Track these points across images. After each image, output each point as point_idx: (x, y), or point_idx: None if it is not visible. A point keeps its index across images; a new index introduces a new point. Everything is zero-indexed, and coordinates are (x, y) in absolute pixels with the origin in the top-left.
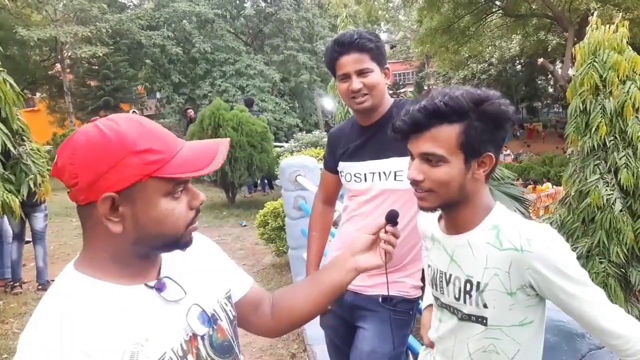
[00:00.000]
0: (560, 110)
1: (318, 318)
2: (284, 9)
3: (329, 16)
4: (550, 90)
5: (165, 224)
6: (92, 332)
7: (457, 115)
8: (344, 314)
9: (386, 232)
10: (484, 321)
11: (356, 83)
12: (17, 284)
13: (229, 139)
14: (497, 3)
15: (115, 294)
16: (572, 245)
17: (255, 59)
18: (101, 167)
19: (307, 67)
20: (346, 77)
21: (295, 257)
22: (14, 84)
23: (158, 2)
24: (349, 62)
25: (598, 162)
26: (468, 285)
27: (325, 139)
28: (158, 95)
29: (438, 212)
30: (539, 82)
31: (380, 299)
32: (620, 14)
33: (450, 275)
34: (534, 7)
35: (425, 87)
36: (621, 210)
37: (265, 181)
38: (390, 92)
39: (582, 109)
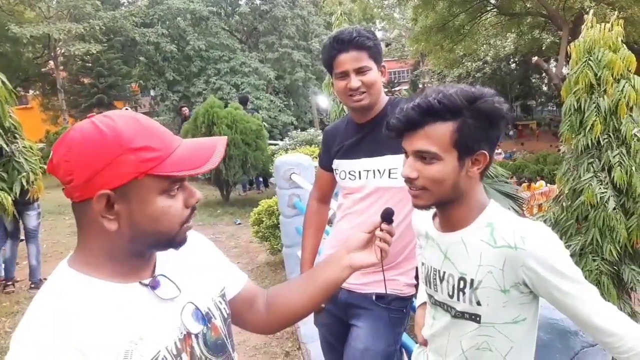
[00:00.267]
0: (555, 108)
1: (312, 316)
2: (278, 6)
3: (324, 14)
4: (545, 88)
5: (161, 222)
6: (85, 330)
7: (451, 113)
8: (338, 312)
9: (382, 230)
10: (478, 319)
11: (355, 81)
12: (10, 282)
13: (226, 137)
14: (492, 1)
15: (110, 292)
16: (566, 243)
17: (250, 56)
18: (97, 164)
19: (302, 64)
20: (344, 74)
21: (290, 255)
22: (6, 81)
23: None
24: (348, 60)
25: (592, 160)
26: (462, 283)
27: (320, 137)
28: (152, 92)
29: (432, 210)
30: (534, 80)
31: (374, 297)
32: (615, 12)
33: (444, 272)
34: (528, 5)
35: (420, 85)
36: (614, 209)
37: (261, 179)
38: (385, 90)
39: (576, 107)
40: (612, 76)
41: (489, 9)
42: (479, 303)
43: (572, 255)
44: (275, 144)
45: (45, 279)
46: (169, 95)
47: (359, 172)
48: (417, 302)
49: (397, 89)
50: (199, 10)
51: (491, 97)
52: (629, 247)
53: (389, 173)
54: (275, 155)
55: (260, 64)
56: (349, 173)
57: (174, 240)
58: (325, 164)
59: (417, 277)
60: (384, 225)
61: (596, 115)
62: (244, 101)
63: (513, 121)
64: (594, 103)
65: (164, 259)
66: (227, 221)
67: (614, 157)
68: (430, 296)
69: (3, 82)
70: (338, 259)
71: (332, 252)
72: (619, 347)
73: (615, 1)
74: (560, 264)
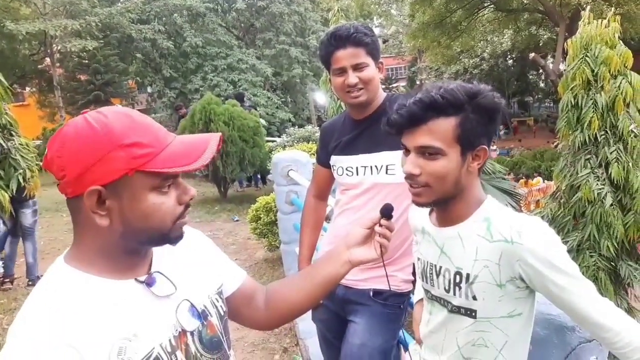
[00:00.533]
0: (552, 104)
1: (310, 312)
2: (275, 2)
3: (321, 10)
4: (542, 85)
5: (152, 218)
6: (80, 326)
7: (454, 108)
8: (336, 308)
9: (381, 225)
10: (473, 314)
11: (352, 77)
12: (8, 279)
13: (220, 133)
14: None
15: (105, 289)
16: (563, 239)
17: (247, 53)
18: (88, 160)
19: (299, 61)
20: (342, 71)
21: (288, 251)
22: (2, 79)
23: None
24: (345, 56)
25: (589, 156)
26: (458, 277)
27: (318, 134)
28: (149, 89)
29: None
30: (530, 76)
31: (371, 293)
32: (612, 9)
33: (440, 267)
34: (525, 1)
35: (418, 82)
36: (612, 205)
37: (258, 176)
38: (383, 86)
39: (573, 103)
40: (609, 72)
41: (486, 5)
42: (474, 297)
43: (569, 251)
44: (272, 141)
45: (42, 276)
46: (166, 92)
47: (357, 168)
48: (414, 299)
49: (394, 85)
50: (195, 6)
51: (489, 92)
52: (626, 243)
53: (387, 169)
54: (272, 152)
55: (258, 61)
56: (347, 169)
57: (168, 236)
58: (323, 161)
59: (414, 273)
60: (383, 221)
61: (593, 111)
62: (240, 98)
63: (510, 118)
64: (591, 99)
65: (161, 255)
66: (224, 218)
67: (611, 153)
68: (426, 291)
69: None
70: (337, 254)
71: (331, 248)
72: (615, 343)
73: None
74: (557, 259)
